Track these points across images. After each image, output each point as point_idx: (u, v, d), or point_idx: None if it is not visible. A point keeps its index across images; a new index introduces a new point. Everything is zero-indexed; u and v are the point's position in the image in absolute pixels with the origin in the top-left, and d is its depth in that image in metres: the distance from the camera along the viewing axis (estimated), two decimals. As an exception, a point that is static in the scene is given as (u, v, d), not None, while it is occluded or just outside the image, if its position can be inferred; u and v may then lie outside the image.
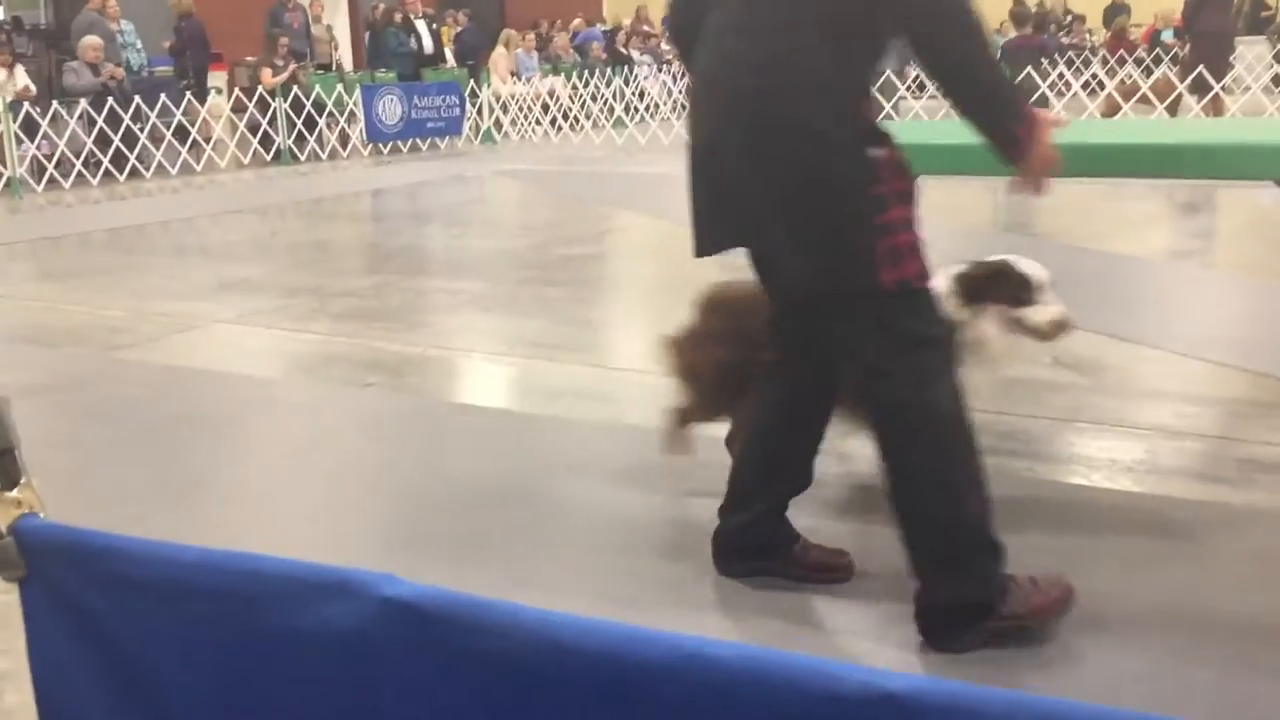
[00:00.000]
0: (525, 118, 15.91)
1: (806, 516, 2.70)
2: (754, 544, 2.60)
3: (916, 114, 13.34)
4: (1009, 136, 2.19)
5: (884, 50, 2.30)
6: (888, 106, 12.78)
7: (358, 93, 13.84)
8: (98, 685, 0.96)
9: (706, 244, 2.40)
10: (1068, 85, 13.72)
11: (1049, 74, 13.62)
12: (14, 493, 0.97)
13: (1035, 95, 11.21)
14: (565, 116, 16.11)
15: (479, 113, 15.31)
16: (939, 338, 2.31)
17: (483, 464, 3.46)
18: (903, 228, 2.21)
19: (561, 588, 2.64)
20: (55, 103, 11.40)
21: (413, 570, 0.90)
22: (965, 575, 2.25)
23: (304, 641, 0.87)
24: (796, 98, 2.19)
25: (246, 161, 12.93)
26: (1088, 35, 20.54)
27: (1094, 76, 14.74)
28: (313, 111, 13.34)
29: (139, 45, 14.09)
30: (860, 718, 0.70)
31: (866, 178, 2.18)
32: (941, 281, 2.56)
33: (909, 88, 13.53)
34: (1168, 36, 17.35)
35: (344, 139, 13.91)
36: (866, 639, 2.37)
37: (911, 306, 2.23)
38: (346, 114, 13.93)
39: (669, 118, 16.32)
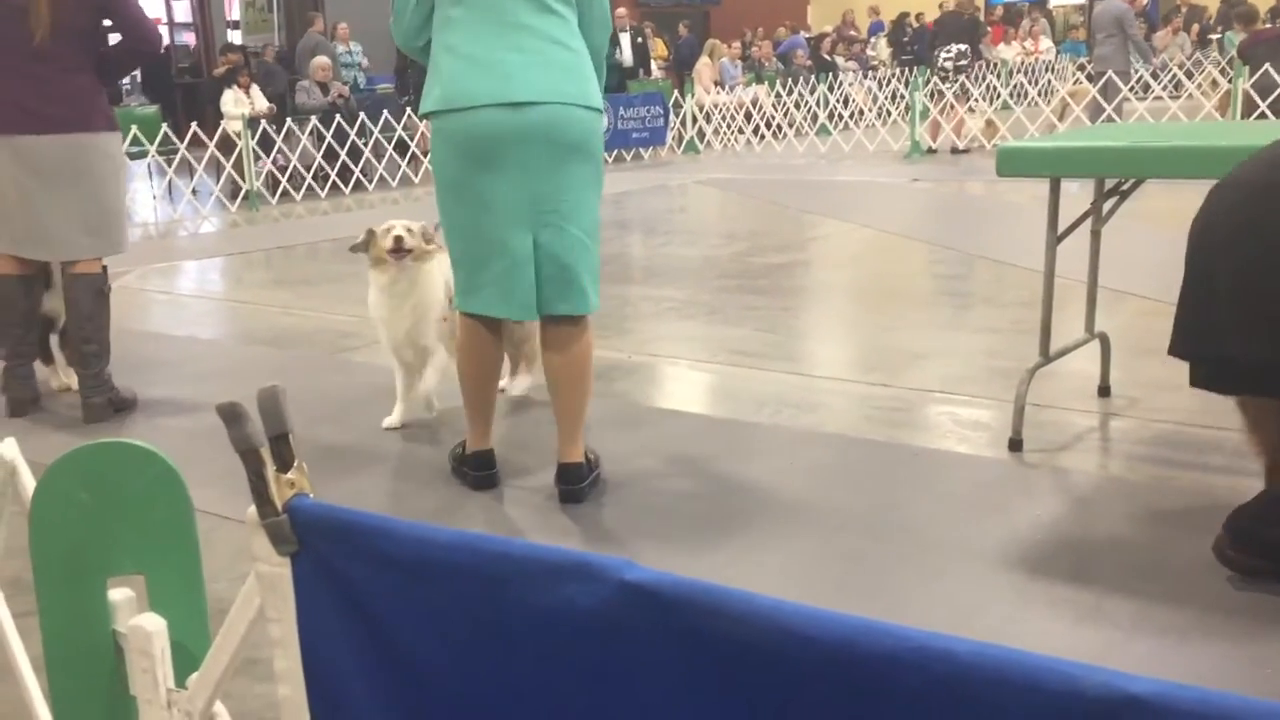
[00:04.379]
0: (728, 126, 15.99)
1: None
2: None
3: (1140, 116, 12.73)
4: None
5: None
6: (1109, 109, 12.24)
7: (566, 105, 14.19)
8: (358, 652, 1.05)
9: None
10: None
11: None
12: (289, 474, 1.06)
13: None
14: (768, 125, 16.11)
15: (682, 123, 15.48)
16: None
17: (689, 467, 3.52)
18: None
19: (772, 590, 2.66)
20: (289, 120, 12.17)
21: (640, 560, 0.94)
22: None
23: (546, 620, 0.93)
24: None
25: (460, 173, 13.44)
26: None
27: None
28: (523, 124, 13.74)
29: (363, 64, 14.91)
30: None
31: None
32: None
33: (1132, 89, 12.92)
34: None
35: (552, 151, 14.28)
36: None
37: None
38: (555, 126, 14.28)
39: (874, 124, 16.10)
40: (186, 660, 1.31)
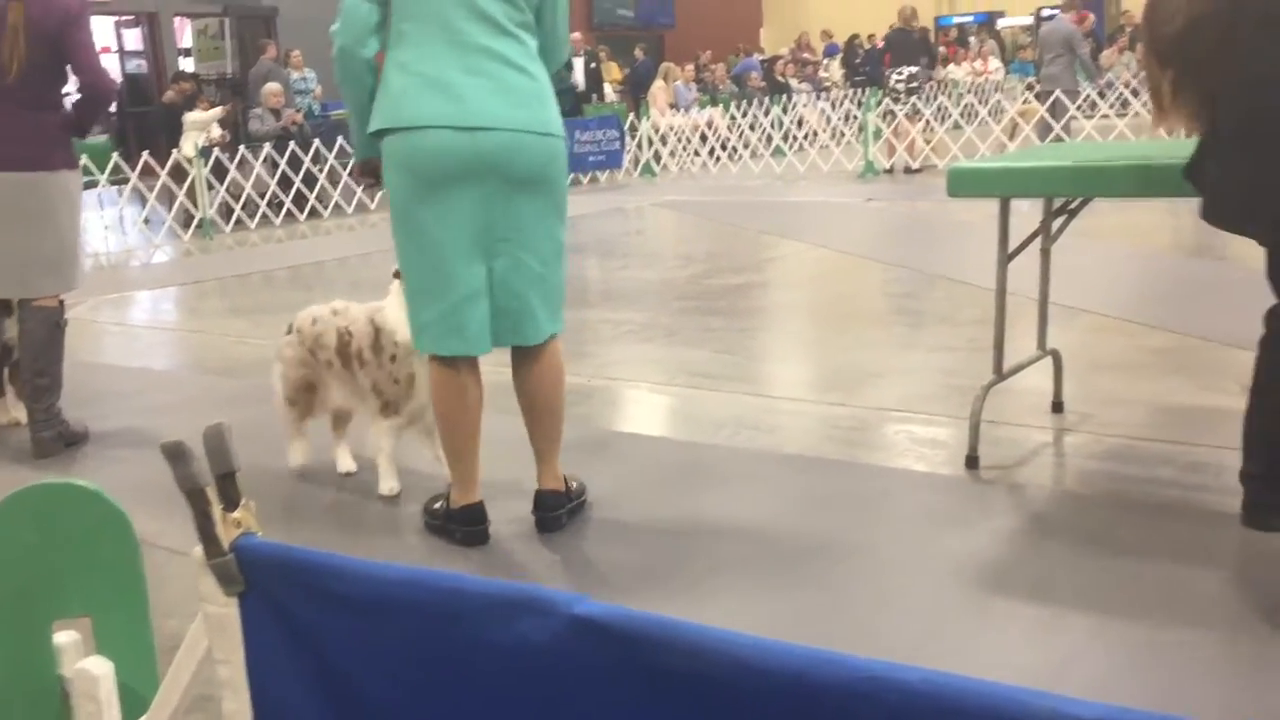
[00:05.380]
0: (684, 149, 16.06)
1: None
2: None
3: (1088, 134, 12.93)
4: None
5: None
6: (1058, 128, 12.42)
7: (522, 130, 14.20)
8: (309, 692, 1.03)
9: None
10: None
11: None
12: (235, 513, 1.05)
13: None
14: (724, 147, 16.20)
15: (638, 146, 15.53)
16: None
17: (649, 491, 3.51)
18: None
19: (734, 613, 2.66)
20: (242, 147, 12.08)
21: (599, 595, 0.94)
22: None
23: (498, 655, 0.92)
24: None
25: (417, 199, 13.40)
26: None
27: None
28: (479, 149, 13.73)
29: (317, 91, 14.85)
30: (1049, 744, 0.70)
31: None
32: None
33: (1079, 107, 13.13)
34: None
35: (508, 175, 14.26)
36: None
37: None
38: (511, 151, 14.28)
39: (828, 145, 16.23)
40: (135, 703, 1.28)
